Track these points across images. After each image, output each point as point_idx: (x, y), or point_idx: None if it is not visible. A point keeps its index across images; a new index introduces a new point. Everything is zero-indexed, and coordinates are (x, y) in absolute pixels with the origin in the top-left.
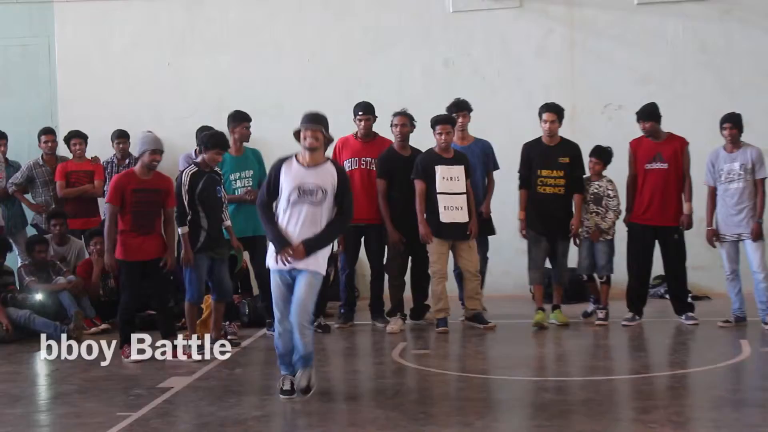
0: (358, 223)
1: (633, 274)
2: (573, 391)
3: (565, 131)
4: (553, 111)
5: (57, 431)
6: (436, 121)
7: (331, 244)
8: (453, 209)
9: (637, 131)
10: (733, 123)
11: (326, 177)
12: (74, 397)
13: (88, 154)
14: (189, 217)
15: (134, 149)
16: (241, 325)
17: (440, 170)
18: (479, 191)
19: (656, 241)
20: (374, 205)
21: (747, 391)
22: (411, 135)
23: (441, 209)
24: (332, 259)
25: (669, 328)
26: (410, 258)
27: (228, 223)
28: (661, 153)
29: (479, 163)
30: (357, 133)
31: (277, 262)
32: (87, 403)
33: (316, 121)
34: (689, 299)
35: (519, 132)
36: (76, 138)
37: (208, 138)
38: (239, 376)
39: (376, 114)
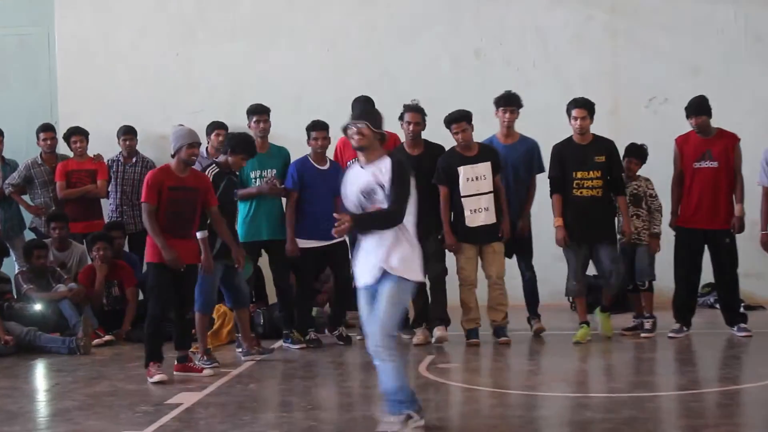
0: None
1: (680, 282)
2: (616, 408)
3: (606, 127)
4: (583, 107)
5: None
6: (448, 121)
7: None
8: (479, 211)
9: (683, 127)
10: None
11: (381, 173)
12: (76, 414)
13: (90, 152)
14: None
15: (144, 149)
16: (256, 336)
17: (463, 171)
18: (522, 194)
19: (705, 247)
20: None
21: None
22: (429, 129)
23: (467, 213)
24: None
25: (719, 341)
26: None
27: (235, 228)
28: (710, 150)
29: (522, 163)
30: None
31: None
32: (89, 420)
33: (357, 116)
34: (742, 309)
35: (555, 129)
36: (77, 135)
37: (238, 141)
38: (254, 392)
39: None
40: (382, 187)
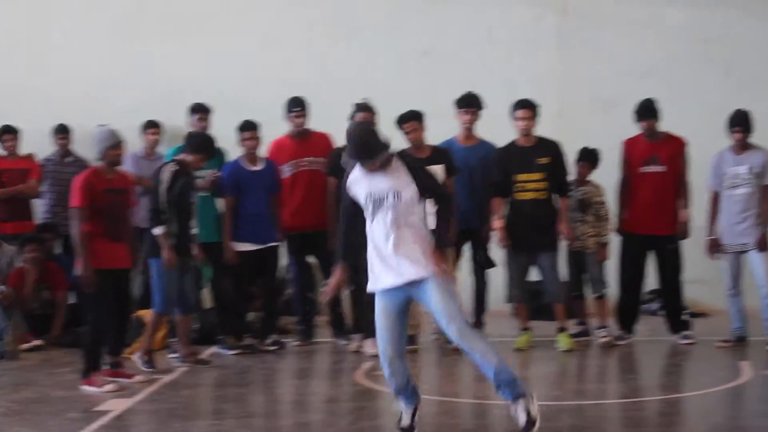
0: (305, 231)
1: (624, 288)
2: (556, 416)
3: (553, 129)
4: (527, 107)
5: None
6: (399, 121)
7: None
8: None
9: (632, 130)
10: (743, 125)
11: (401, 178)
12: (1, 421)
13: (23, 151)
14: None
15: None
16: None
17: None
18: (480, 198)
19: (649, 252)
20: (322, 210)
21: (746, 418)
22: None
23: None
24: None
25: (662, 348)
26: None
27: (194, 231)
28: (657, 154)
29: (479, 168)
30: (291, 132)
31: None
32: (15, 427)
33: (367, 157)
34: (685, 316)
35: (502, 130)
36: (8, 133)
37: (199, 141)
38: (186, 399)
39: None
40: (397, 194)
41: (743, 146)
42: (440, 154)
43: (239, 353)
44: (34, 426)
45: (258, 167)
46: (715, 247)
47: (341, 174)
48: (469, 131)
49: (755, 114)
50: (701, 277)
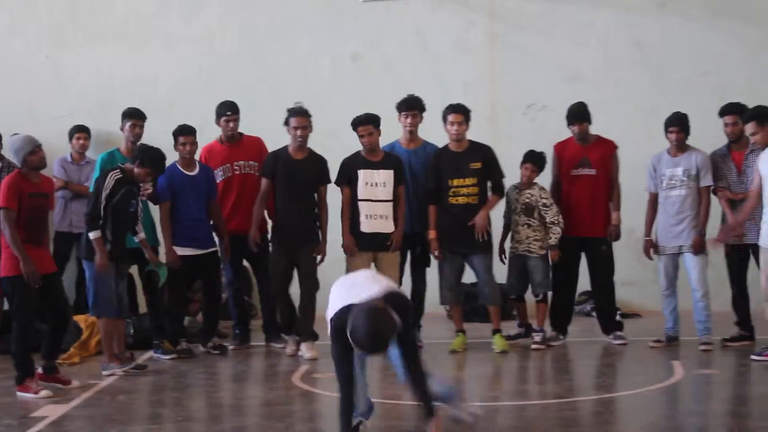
0: (238, 234)
1: (557, 289)
2: (492, 417)
3: (485, 133)
4: (459, 111)
5: None
6: (355, 124)
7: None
8: (374, 218)
9: (561, 134)
10: (680, 126)
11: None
12: None
13: None
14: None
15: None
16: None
17: (363, 174)
18: (423, 200)
19: (582, 254)
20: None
21: (679, 417)
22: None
23: (362, 217)
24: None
25: (595, 349)
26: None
27: (142, 236)
28: (588, 157)
29: (423, 170)
30: (221, 137)
31: None
32: None
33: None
34: (618, 317)
35: (436, 135)
36: None
37: (150, 156)
38: (122, 404)
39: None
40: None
41: (680, 147)
42: (392, 160)
43: (175, 358)
44: None
45: (194, 172)
46: (651, 248)
47: (274, 176)
48: (412, 134)
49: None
50: (632, 279)
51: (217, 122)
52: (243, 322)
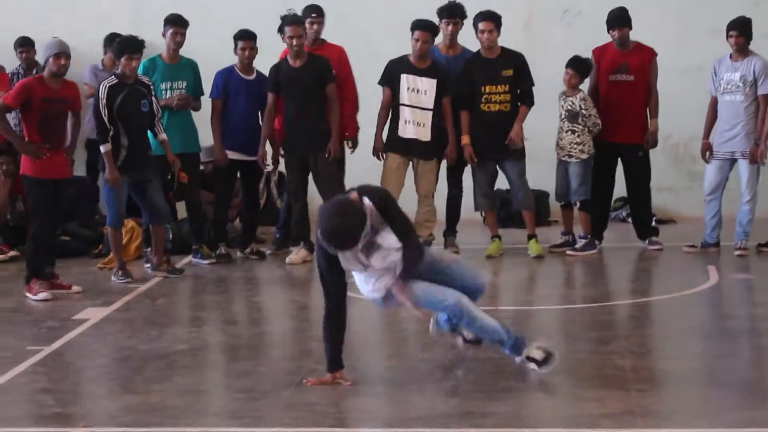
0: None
1: (593, 195)
2: (528, 321)
3: (520, 40)
4: (490, 19)
5: None
6: (413, 27)
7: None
8: (413, 124)
9: (598, 40)
10: (740, 30)
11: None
12: None
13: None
14: (111, 134)
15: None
16: (165, 252)
17: (405, 79)
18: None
19: (619, 160)
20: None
21: (713, 320)
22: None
23: (401, 122)
24: (267, 181)
25: (631, 254)
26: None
27: (163, 136)
28: (627, 63)
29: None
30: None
31: None
32: None
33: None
34: (653, 223)
35: (469, 40)
36: None
37: (118, 45)
38: (162, 307)
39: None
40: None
41: (740, 52)
42: (437, 70)
43: (214, 262)
44: (12, 335)
45: (251, 77)
46: (707, 150)
47: (278, 89)
48: (451, 41)
49: (715, 22)
50: (668, 185)
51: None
52: (286, 226)
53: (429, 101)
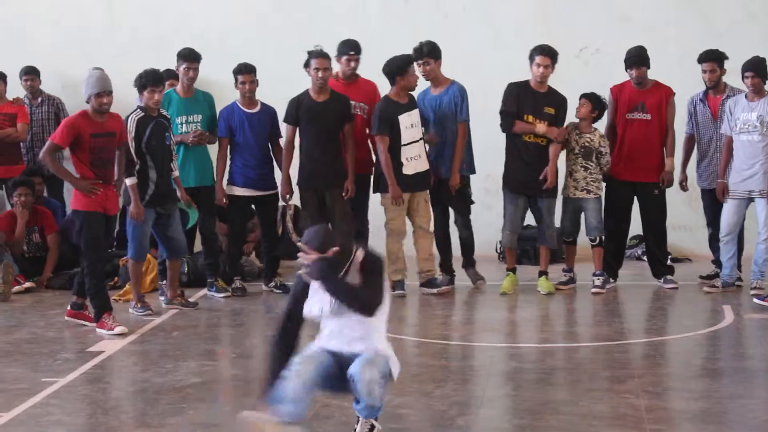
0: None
1: (608, 233)
2: (542, 358)
3: None
4: (548, 54)
5: None
6: (394, 72)
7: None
8: (415, 159)
9: (615, 78)
10: (755, 71)
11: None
12: None
13: (10, 95)
14: (137, 168)
15: (63, 88)
16: (180, 286)
17: (402, 119)
18: (452, 145)
19: (635, 199)
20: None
21: (727, 360)
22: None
23: (404, 161)
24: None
25: (646, 293)
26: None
27: (176, 173)
28: (644, 102)
29: (448, 112)
30: (337, 74)
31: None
32: (9, 368)
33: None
34: (669, 261)
35: (485, 75)
36: None
37: (137, 78)
38: (177, 340)
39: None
40: None
41: (756, 92)
42: (413, 100)
43: (229, 296)
44: (27, 366)
45: (254, 110)
46: (723, 190)
47: (297, 122)
48: (435, 80)
49: (733, 60)
50: (684, 224)
51: (337, 59)
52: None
53: (419, 132)
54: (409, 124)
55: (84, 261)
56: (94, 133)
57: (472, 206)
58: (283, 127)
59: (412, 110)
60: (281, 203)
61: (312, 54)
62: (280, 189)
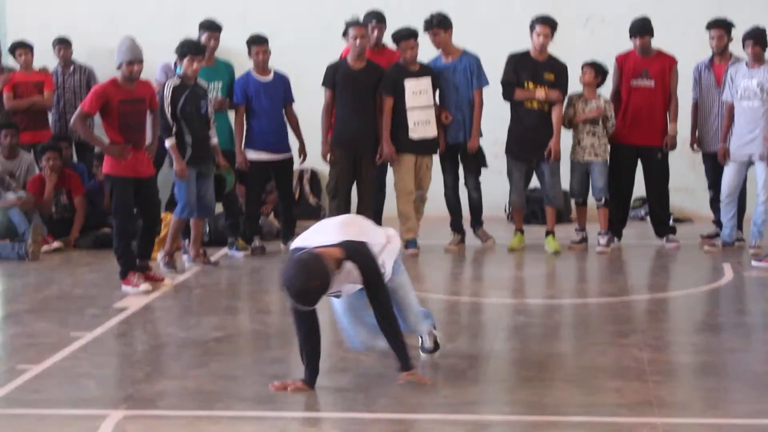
0: None
1: (613, 195)
2: (549, 314)
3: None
4: (548, 24)
5: (8, 352)
6: (398, 38)
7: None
8: (422, 124)
9: (620, 47)
10: (755, 39)
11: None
12: (26, 317)
13: (36, 65)
14: (174, 131)
15: (89, 58)
16: (202, 245)
17: (409, 84)
18: (466, 111)
19: (638, 162)
20: None
21: (727, 316)
22: None
23: (411, 125)
24: (300, 178)
25: (649, 252)
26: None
27: (215, 141)
28: (647, 69)
29: (463, 80)
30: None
31: None
32: (39, 323)
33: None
34: (671, 222)
35: (495, 46)
36: (21, 48)
37: (180, 47)
38: (199, 297)
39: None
40: None
41: (756, 60)
42: (427, 68)
43: (249, 255)
44: (57, 321)
45: (267, 78)
46: (724, 154)
47: (335, 86)
48: (445, 49)
49: (738, 29)
50: (686, 186)
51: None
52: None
53: (429, 99)
54: (417, 91)
55: (114, 222)
56: (123, 100)
57: (483, 170)
58: (318, 93)
59: (421, 77)
60: (297, 167)
61: (349, 23)
62: (321, 149)
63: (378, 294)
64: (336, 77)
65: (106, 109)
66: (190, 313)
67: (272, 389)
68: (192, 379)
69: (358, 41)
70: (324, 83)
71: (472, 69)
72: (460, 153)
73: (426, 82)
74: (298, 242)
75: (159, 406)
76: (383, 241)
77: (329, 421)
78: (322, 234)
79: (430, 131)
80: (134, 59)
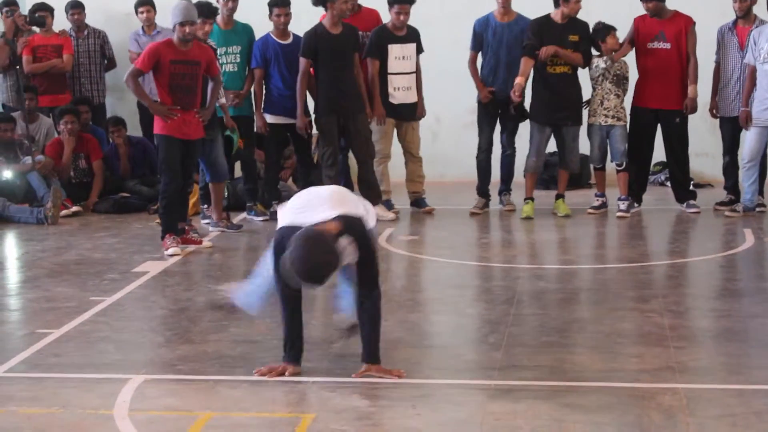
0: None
1: (632, 159)
2: (569, 279)
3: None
4: None
5: (28, 316)
6: (393, 1)
7: None
8: (403, 89)
9: (636, 10)
10: None
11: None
12: (45, 281)
13: (55, 28)
14: None
15: (108, 22)
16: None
17: (392, 49)
18: (516, 72)
19: (658, 126)
20: None
21: (747, 281)
22: None
23: (391, 89)
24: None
25: (669, 217)
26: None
27: (222, 100)
28: (663, 32)
29: (516, 43)
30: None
31: None
32: (58, 287)
33: None
34: (691, 187)
35: (526, 13)
36: (43, 11)
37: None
38: (218, 261)
39: None
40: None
41: None
42: (414, 33)
43: (268, 219)
44: (76, 286)
45: (287, 41)
46: (746, 118)
47: (313, 56)
48: (505, 8)
49: None
50: (706, 151)
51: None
52: (347, 185)
53: (412, 65)
54: (401, 56)
55: (161, 181)
56: (174, 60)
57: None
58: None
59: (407, 43)
60: (315, 131)
61: (272, 3)
62: (297, 121)
63: (371, 271)
64: (317, 44)
65: (158, 67)
66: (209, 278)
67: (257, 374)
68: (211, 343)
69: (282, 19)
70: (302, 53)
71: (526, 33)
72: (501, 109)
73: (411, 48)
74: (288, 218)
75: (179, 371)
76: (363, 213)
77: (349, 386)
78: (315, 209)
79: (410, 97)
80: (186, 20)
